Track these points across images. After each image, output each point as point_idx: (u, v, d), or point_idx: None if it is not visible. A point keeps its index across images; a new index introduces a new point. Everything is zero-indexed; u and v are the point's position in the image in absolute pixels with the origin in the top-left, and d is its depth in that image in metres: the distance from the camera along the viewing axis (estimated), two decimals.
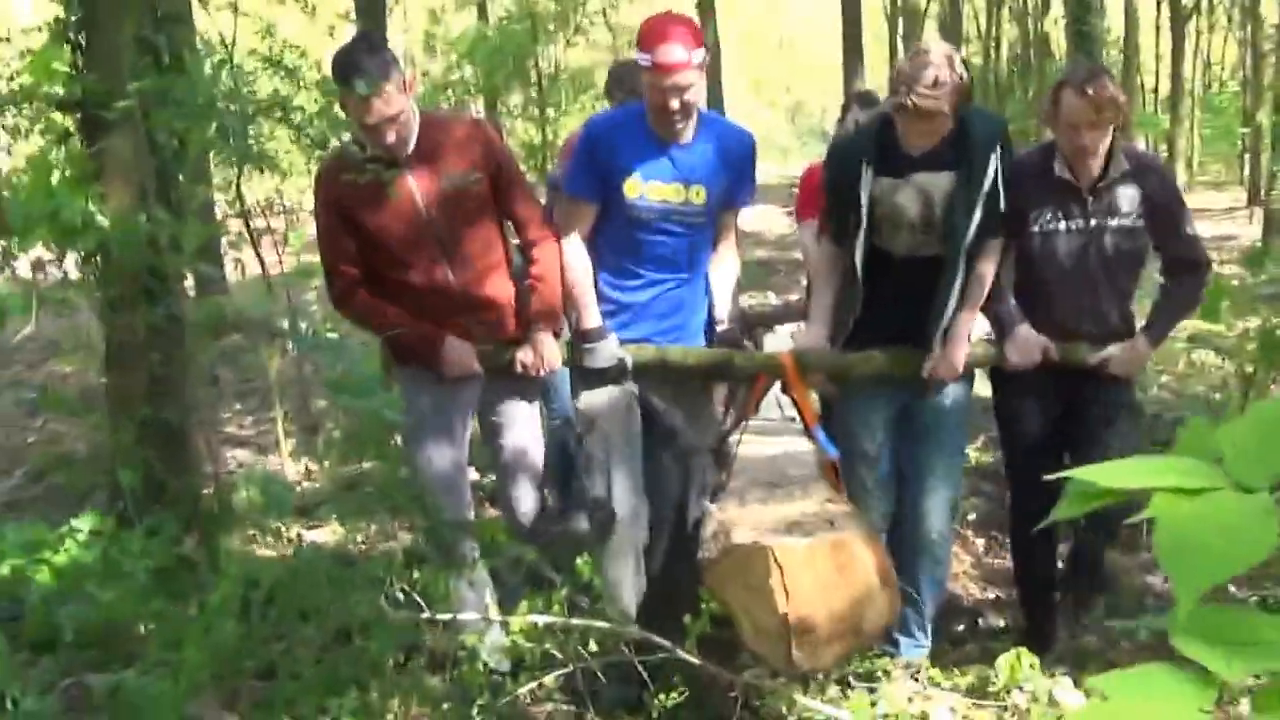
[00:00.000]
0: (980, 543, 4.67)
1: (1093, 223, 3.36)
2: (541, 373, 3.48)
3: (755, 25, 37.64)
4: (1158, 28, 23.27)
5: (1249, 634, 0.80)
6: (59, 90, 3.89)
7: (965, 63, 3.18)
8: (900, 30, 21.93)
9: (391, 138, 3.20)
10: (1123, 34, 18.88)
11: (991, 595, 4.21)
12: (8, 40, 3.90)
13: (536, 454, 3.61)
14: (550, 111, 8.94)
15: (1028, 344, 3.41)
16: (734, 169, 3.48)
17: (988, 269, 3.38)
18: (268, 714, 2.52)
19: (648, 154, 3.37)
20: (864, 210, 3.29)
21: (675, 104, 3.21)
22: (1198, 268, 3.48)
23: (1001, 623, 3.98)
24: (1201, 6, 24.30)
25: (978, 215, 3.22)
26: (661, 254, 3.46)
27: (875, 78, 22.95)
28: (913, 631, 3.61)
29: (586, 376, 3.49)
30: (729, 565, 3.08)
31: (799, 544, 3.00)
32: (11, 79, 3.98)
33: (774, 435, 3.90)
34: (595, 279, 3.51)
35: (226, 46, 4.56)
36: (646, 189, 3.38)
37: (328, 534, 4.64)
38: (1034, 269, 3.45)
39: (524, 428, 3.61)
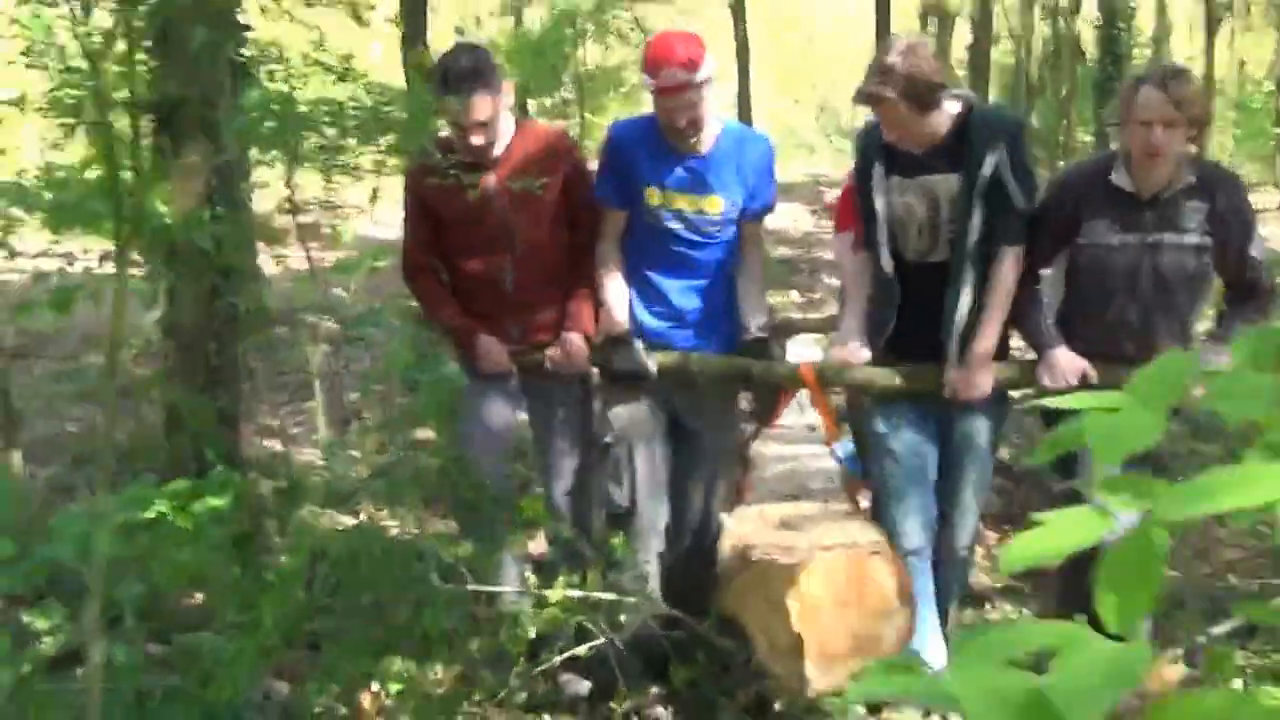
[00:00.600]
0: (993, 535, 4.85)
1: (1150, 238, 3.13)
2: (569, 371, 3.60)
3: (785, 21, 37.65)
4: (1190, 27, 23.17)
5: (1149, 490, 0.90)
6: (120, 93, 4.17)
7: (930, 65, 3.15)
8: (932, 28, 21.99)
9: (479, 141, 3.41)
10: (1152, 33, 18.85)
11: (999, 585, 4.39)
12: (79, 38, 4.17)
13: (571, 458, 3.71)
14: (587, 114, 9.17)
15: (1063, 367, 3.21)
16: (752, 177, 3.54)
17: (1005, 279, 3.24)
18: (324, 678, 2.76)
19: (666, 164, 3.48)
20: (879, 211, 3.30)
21: (681, 122, 3.34)
22: (1258, 292, 3.21)
23: (1010, 608, 4.15)
24: (1235, 7, 24.24)
25: (978, 217, 3.17)
26: (684, 261, 3.55)
27: None
28: (928, 643, 3.50)
29: (613, 383, 3.61)
30: (746, 581, 3.09)
31: (817, 561, 2.99)
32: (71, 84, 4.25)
33: (795, 445, 3.91)
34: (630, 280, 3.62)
35: (281, 53, 4.79)
36: (665, 198, 3.49)
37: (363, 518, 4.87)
38: (1081, 283, 3.26)
39: (561, 432, 3.72)
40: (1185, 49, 24.05)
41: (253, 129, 4.43)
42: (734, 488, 3.74)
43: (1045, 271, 3.32)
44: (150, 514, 2.16)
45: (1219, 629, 3.29)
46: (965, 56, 25.10)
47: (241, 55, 4.31)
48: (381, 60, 11.59)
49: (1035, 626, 0.77)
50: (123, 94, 4.21)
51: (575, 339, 3.58)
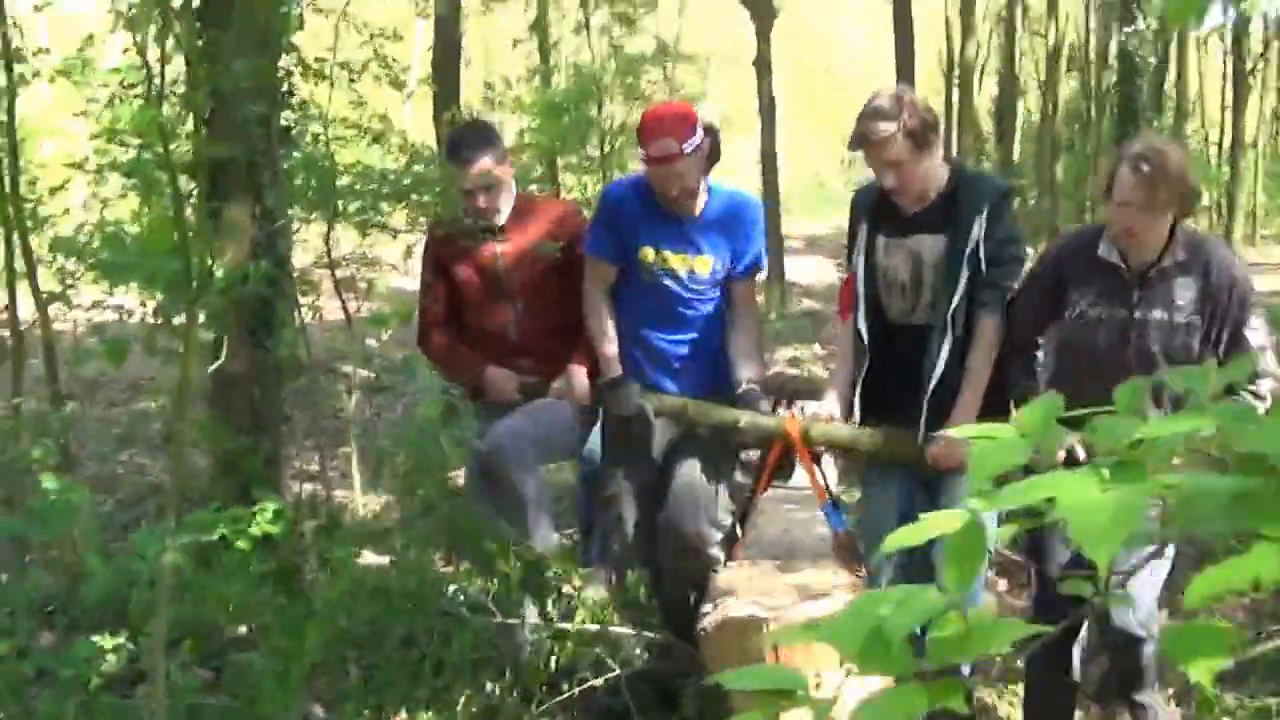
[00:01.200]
0: (1003, 582, 4.98)
1: (1136, 314, 2.98)
2: (570, 398, 3.80)
3: (814, 73, 38.11)
4: (1224, 78, 23.29)
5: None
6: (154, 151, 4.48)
7: (925, 106, 3.19)
8: (956, 80, 22.20)
9: (483, 202, 3.79)
10: (1174, 84, 18.96)
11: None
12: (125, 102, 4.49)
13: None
14: (615, 171, 9.49)
15: None
16: (741, 237, 3.73)
17: (984, 348, 3.21)
18: (359, 700, 2.97)
19: (660, 225, 3.67)
20: (860, 269, 3.35)
21: (674, 191, 3.54)
22: (1259, 395, 2.89)
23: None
24: (1268, 57, 24.41)
25: (963, 281, 3.17)
26: (676, 316, 3.73)
27: None
28: None
29: (611, 433, 3.74)
30: (725, 636, 3.10)
31: (795, 619, 2.99)
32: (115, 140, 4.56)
33: (796, 505, 3.91)
34: (620, 337, 3.76)
35: (323, 116, 5.11)
36: (659, 258, 3.69)
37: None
38: (1067, 355, 3.13)
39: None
40: (1218, 99, 24.18)
41: (297, 194, 4.75)
42: (723, 525, 3.76)
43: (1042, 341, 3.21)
44: (214, 536, 2.37)
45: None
46: (991, 107, 25.42)
47: (285, 120, 4.60)
48: (413, 118, 11.97)
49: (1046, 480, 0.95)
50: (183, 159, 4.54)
51: (579, 372, 3.80)
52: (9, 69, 4.43)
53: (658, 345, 3.77)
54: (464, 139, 3.86)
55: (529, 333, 3.91)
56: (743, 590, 3.14)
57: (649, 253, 3.67)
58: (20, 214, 4.38)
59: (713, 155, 3.73)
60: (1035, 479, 0.94)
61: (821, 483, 3.52)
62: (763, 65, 15.80)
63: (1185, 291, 2.95)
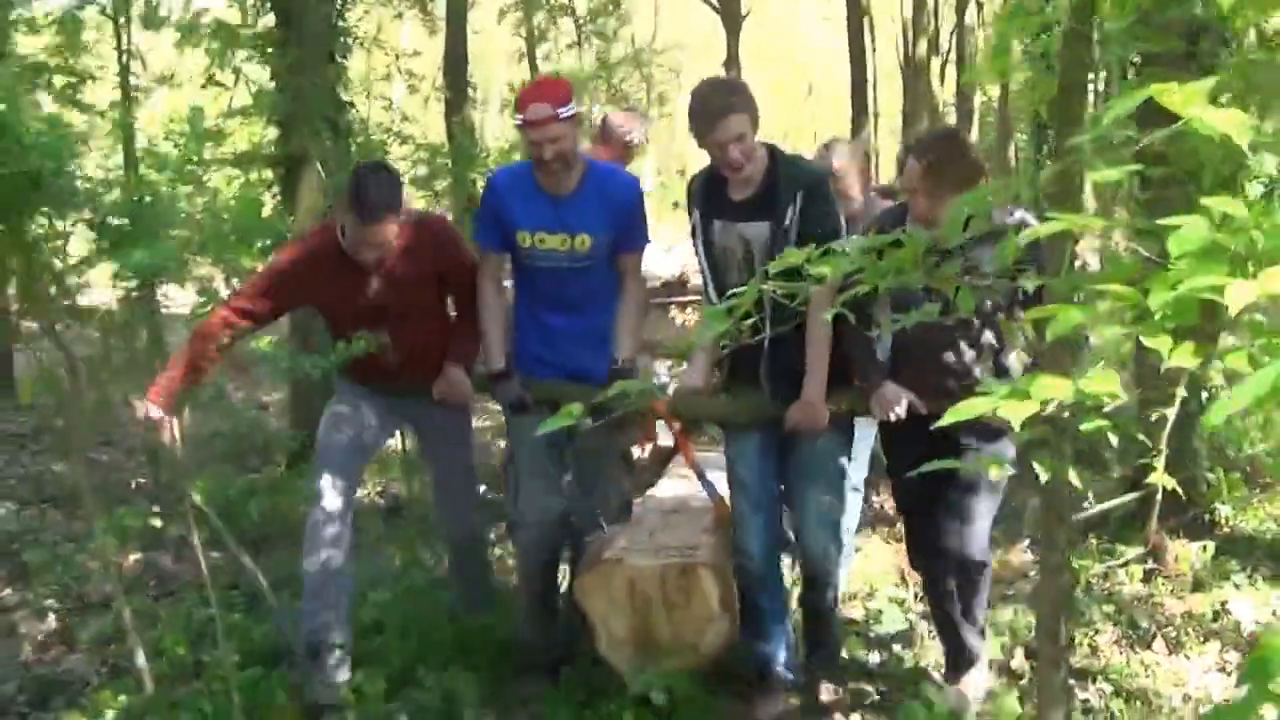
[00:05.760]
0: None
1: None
2: (451, 397, 3.82)
3: (782, 75, 39.18)
4: None
5: None
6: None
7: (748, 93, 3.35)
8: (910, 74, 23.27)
9: (369, 257, 3.62)
10: None
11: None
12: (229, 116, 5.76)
13: (465, 479, 4.07)
14: None
15: (890, 399, 3.34)
16: (619, 216, 3.71)
17: (813, 323, 3.33)
18: None
19: (535, 206, 3.67)
20: (701, 251, 3.53)
21: (547, 155, 3.53)
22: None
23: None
24: None
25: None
26: (560, 296, 3.77)
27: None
28: (779, 655, 3.68)
29: (506, 419, 3.96)
30: (593, 577, 3.43)
31: (653, 565, 3.37)
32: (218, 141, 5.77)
33: (709, 468, 3.98)
34: (514, 319, 3.88)
35: (364, 119, 6.48)
36: (536, 239, 3.70)
37: None
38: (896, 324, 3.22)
39: (451, 453, 4.07)
40: None
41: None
42: (616, 503, 4.00)
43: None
44: None
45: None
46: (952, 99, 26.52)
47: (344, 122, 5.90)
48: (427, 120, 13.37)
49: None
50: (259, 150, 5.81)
51: (455, 372, 3.81)
52: (125, 86, 5.68)
53: (552, 326, 3.81)
54: (372, 197, 3.53)
55: (409, 353, 3.78)
56: (616, 540, 3.58)
57: (525, 236, 3.70)
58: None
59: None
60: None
61: (688, 451, 3.85)
62: (732, 63, 16.96)
63: (991, 258, 3.07)
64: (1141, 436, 2.47)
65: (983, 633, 3.70)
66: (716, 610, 3.38)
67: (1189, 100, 1.53)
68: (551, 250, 3.70)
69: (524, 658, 3.88)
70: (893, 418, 3.34)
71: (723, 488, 3.77)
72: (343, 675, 3.61)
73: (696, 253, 3.56)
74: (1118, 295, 1.36)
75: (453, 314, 3.99)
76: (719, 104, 3.28)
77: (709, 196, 3.50)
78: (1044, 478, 2.06)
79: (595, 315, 3.79)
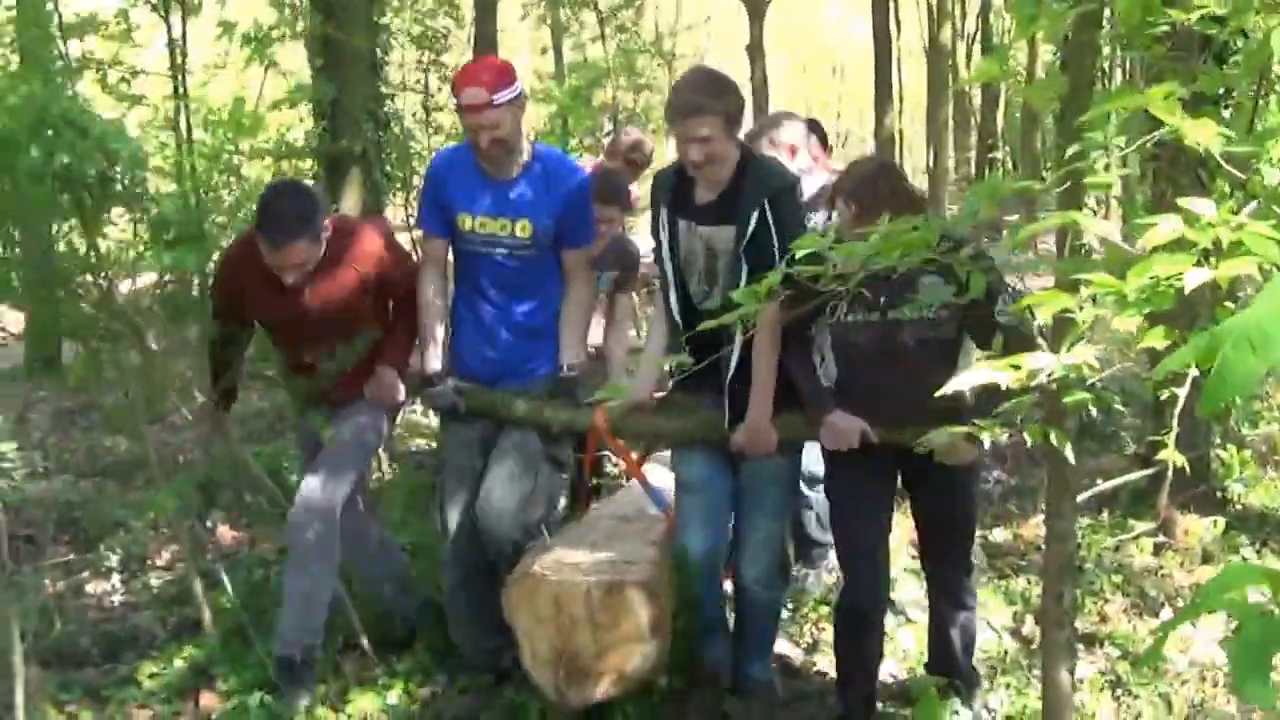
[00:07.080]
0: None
1: (890, 314, 3.15)
2: (383, 399, 3.72)
3: (809, 56, 39.19)
4: None
5: None
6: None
7: (738, 90, 3.28)
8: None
9: (291, 280, 3.47)
10: None
11: None
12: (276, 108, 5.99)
13: (341, 450, 3.71)
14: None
15: (842, 430, 3.20)
16: (563, 204, 3.60)
17: (760, 345, 3.24)
18: None
19: (475, 190, 3.57)
20: (664, 251, 3.38)
21: (485, 140, 3.43)
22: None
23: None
24: None
25: (744, 274, 3.16)
26: (500, 283, 3.65)
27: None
28: (719, 662, 3.61)
29: (442, 417, 3.84)
30: (519, 591, 3.18)
31: (580, 581, 3.09)
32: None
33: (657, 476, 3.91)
34: (454, 304, 3.76)
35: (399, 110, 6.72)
36: (476, 223, 3.59)
37: None
38: (843, 357, 3.27)
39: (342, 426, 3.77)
40: None
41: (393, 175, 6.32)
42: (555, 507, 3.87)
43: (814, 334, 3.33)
44: None
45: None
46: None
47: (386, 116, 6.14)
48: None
49: None
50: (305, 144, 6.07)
51: (387, 373, 3.71)
52: (181, 82, 5.93)
53: (490, 315, 3.70)
54: (279, 221, 3.38)
55: (336, 361, 3.73)
56: (549, 552, 3.32)
57: (466, 219, 3.61)
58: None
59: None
60: None
61: (632, 463, 3.86)
62: (755, 50, 17.04)
63: (933, 287, 3.03)
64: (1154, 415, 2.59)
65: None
66: (646, 632, 3.09)
67: (1168, 108, 1.73)
68: (492, 235, 3.61)
69: (461, 661, 3.82)
70: (844, 448, 3.21)
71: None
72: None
73: (658, 250, 3.42)
74: (1100, 283, 1.56)
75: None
76: (691, 102, 3.21)
77: (676, 194, 3.41)
78: (1030, 442, 2.19)
79: (533, 306, 3.69)
